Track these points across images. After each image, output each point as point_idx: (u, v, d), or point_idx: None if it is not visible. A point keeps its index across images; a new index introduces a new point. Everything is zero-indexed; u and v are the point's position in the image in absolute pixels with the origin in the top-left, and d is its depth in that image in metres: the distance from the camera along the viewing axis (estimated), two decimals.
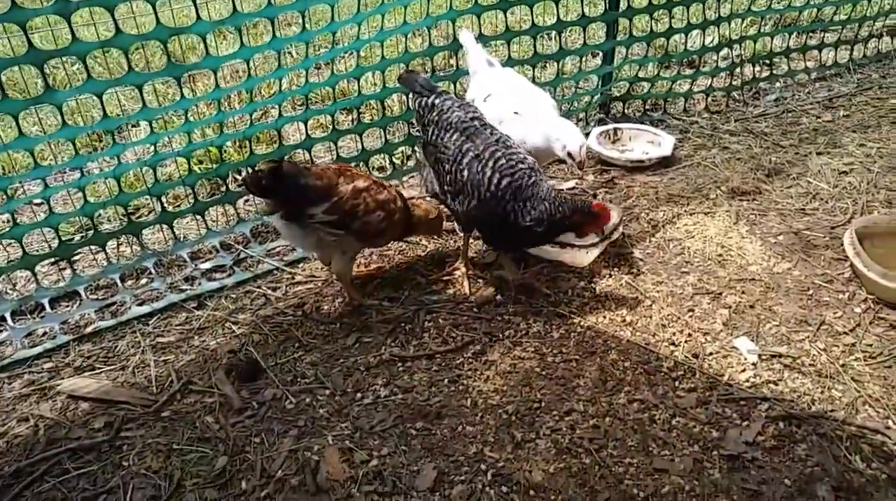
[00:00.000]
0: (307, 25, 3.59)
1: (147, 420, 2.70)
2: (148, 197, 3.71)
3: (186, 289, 3.47)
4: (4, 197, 3.57)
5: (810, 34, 5.66)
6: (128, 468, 2.49)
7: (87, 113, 4.49)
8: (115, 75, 3.53)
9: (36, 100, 3.12)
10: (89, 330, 3.19)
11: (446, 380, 2.84)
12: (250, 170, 3.07)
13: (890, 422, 2.55)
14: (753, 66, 5.44)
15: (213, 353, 3.05)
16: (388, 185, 3.22)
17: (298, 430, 2.63)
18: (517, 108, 3.55)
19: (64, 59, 3.46)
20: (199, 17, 3.28)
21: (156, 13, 3.17)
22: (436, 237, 3.74)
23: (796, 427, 2.55)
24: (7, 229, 3.26)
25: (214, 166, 4.02)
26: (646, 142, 4.66)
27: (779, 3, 5.41)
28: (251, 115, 3.96)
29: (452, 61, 4.40)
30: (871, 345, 2.91)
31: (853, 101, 5.20)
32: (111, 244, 3.65)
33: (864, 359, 2.84)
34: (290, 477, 2.43)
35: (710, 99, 5.23)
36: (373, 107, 4.81)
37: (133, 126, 4.51)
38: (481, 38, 4.23)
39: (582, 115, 5.00)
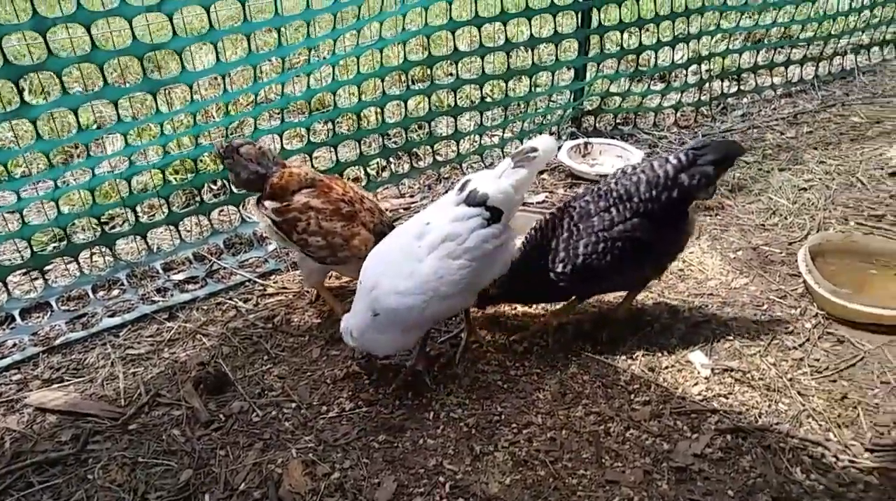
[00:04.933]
0: (283, 41, 3.66)
1: (114, 433, 2.76)
2: (122, 207, 3.76)
3: (158, 301, 3.52)
4: None
5: (778, 50, 5.81)
6: (92, 481, 2.55)
7: (64, 120, 4.52)
8: (91, 87, 3.58)
9: (12, 114, 3.16)
10: (59, 341, 3.24)
11: (410, 393, 2.92)
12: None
13: (830, 435, 2.67)
14: (722, 81, 5.58)
15: (182, 365, 3.11)
16: (360, 223, 3.08)
17: (263, 443, 2.70)
18: None
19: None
20: (175, 33, 3.34)
21: (132, 29, 3.23)
22: None
23: (742, 439, 2.66)
24: None
25: (190, 176, 4.08)
26: (615, 157, 4.78)
27: (748, 18, 5.55)
28: (227, 128, 4.02)
29: (428, 72, 4.49)
30: (818, 360, 3.03)
31: (816, 118, 5.35)
32: (84, 255, 3.69)
33: (811, 374, 2.95)
34: (253, 490, 2.50)
35: (679, 114, 5.35)
36: (350, 119, 4.89)
37: (108, 136, 4.54)
38: (456, 55, 4.32)
39: (554, 129, 5.11)
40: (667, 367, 3.02)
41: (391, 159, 4.66)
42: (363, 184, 4.42)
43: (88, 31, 3.11)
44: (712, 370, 2.98)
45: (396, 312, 2.63)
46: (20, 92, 3.12)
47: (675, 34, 5.06)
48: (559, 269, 2.89)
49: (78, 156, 4.58)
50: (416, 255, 2.62)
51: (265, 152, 3.14)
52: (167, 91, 4.34)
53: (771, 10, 5.54)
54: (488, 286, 2.96)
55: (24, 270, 3.58)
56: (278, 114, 4.08)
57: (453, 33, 4.34)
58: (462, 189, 2.70)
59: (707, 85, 5.42)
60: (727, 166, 2.95)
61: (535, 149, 2.71)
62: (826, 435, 2.67)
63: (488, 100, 4.81)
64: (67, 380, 3.05)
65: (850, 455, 2.59)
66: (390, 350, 2.90)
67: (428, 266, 2.60)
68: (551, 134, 5.11)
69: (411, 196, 4.52)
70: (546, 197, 4.42)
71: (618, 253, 2.85)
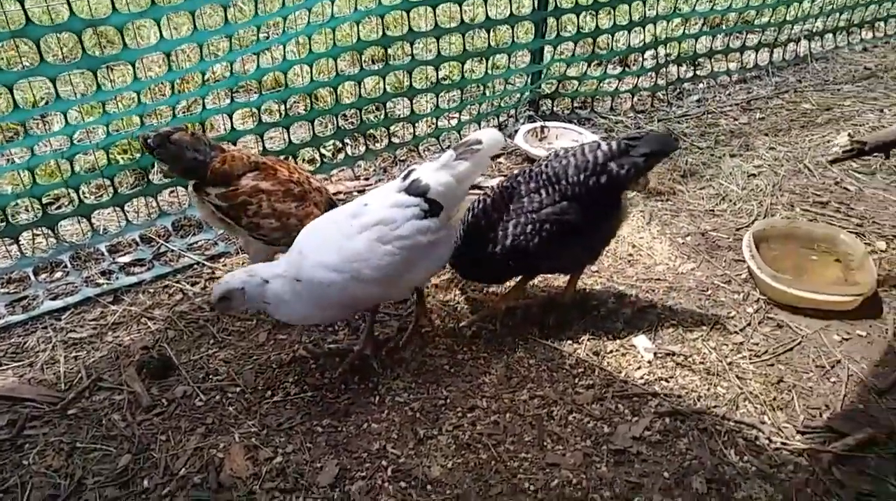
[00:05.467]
0: (231, 18, 3.58)
1: (52, 418, 2.71)
2: (65, 188, 3.65)
3: (103, 284, 3.45)
4: None
5: (734, 36, 5.86)
6: (27, 466, 2.51)
7: (6, 97, 4.36)
8: (28, 64, 3.46)
9: None
10: None
11: (357, 378, 2.93)
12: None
13: (765, 417, 2.75)
14: (679, 66, 5.62)
15: (126, 349, 3.06)
16: (312, 203, 3.07)
17: (206, 428, 2.69)
18: None
19: None
20: (115, 8, 3.24)
21: (69, 4, 3.12)
22: None
23: (680, 422, 2.73)
24: None
25: (137, 156, 3.98)
26: (571, 141, 4.78)
27: (707, 2, 5.60)
28: (174, 108, 3.93)
29: (383, 53, 4.44)
30: (757, 344, 3.11)
31: (769, 104, 5.43)
32: (26, 236, 3.60)
33: (750, 358, 3.03)
34: (193, 475, 2.49)
35: (636, 98, 5.38)
36: (304, 99, 4.81)
37: (53, 114, 4.40)
38: (411, 35, 4.26)
39: (512, 112, 5.10)
40: (611, 351, 3.07)
41: (346, 141, 4.60)
42: (318, 165, 4.37)
43: (22, 5, 2.99)
44: (655, 354, 3.04)
45: (317, 284, 2.59)
46: None
47: (632, 18, 5.07)
48: (489, 250, 2.91)
49: (20, 135, 4.43)
50: (348, 233, 2.60)
51: (199, 137, 3.04)
52: (110, 70, 4.21)
53: None
54: None
55: None
56: (228, 93, 3.99)
57: (408, 13, 4.29)
58: (406, 177, 2.68)
59: (664, 70, 5.46)
60: (659, 159, 2.98)
61: (479, 142, 2.68)
62: (761, 418, 2.75)
63: (445, 82, 4.76)
64: (5, 365, 2.98)
65: (782, 437, 2.67)
66: (300, 320, 2.84)
67: (356, 244, 2.57)
68: (509, 117, 5.11)
69: (366, 179, 4.48)
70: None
71: (546, 236, 2.87)
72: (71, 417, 2.72)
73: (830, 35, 6.41)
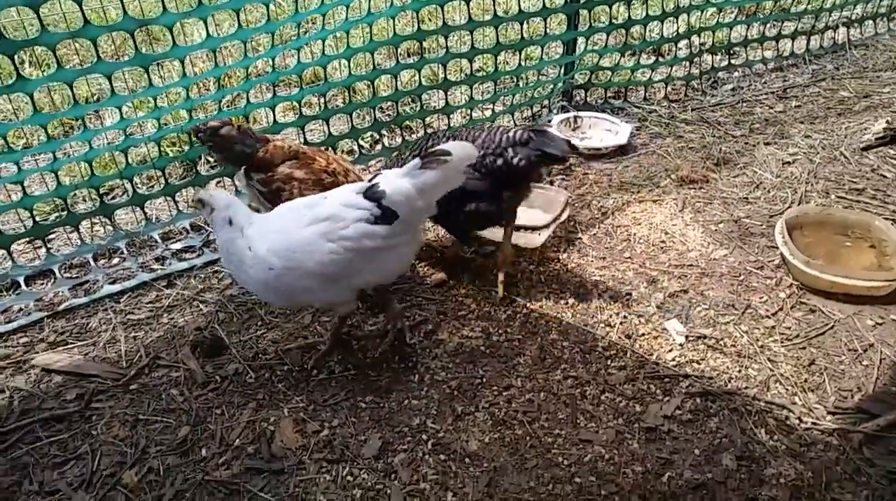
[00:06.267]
0: (271, 16, 3.73)
1: (116, 392, 2.91)
2: (120, 179, 3.86)
3: (157, 269, 3.65)
4: None
5: (773, 24, 5.83)
6: (96, 436, 2.70)
7: (64, 93, 4.60)
8: (84, 62, 3.66)
9: (8, 88, 3.24)
10: (63, 307, 3.37)
11: (397, 357, 3.06)
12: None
13: (796, 399, 2.81)
14: (713, 55, 5.63)
15: (180, 330, 3.25)
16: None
17: (257, 403, 2.85)
18: None
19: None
20: (165, 8, 3.41)
21: (123, 5, 3.30)
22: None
23: (711, 402, 2.80)
24: None
25: (186, 148, 4.17)
26: (604, 131, 4.85)
27: None
28: (220, 102, 4.10)
29: (418, 46, 4.55)
30: (789, 328, 3.16)
31: (806, 92, 5.41)
32: (85, 224, 3.81)
33: (781, 341, 3.08)
34: (247, 446, 2.66)
35: (669, 87, 5.41)
36: (342, 92, 4.95)
37: (106, 109, 4.62)
38: (445, 29, 4.37)
39: (545, 103, 5.18)
40: (643, 334, 3.15)
41: (383, 132, 4.73)
42: (356, 156, 4.51)
43: (80, 6, 3.17)
44: (687, 337, 3.11)
45: (261, 264, 2.63)
46: (16, 66, 3.19)
47: (665, 8, 5.10)
48: None
49: (78, 129, 4.67)
50: (299, 223, 2.62)
51: (245, 130, 3.25)
52: (160, 66, 4.41)
53: None
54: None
55: (27, 239, 3.70)
56: (270, 88, 4.16)
57: (442, 7, 4.39)
58: (371, 179, 2.68)
59: (698, 59, 5.47)
60: (549, 160, 3.17)
61: (447, 154, 2.57)
62: (792, 399, 2.81)
63: (479, 74, 4.86)
64: (71, 343, 3.19)
65: (813, 417, 2.73)
66: (248, 286, 2.82)
67: (302, 236, 2.59)
68: (542, 107, 5.18)
69: None
70: None
71: None
72: (133, 392, 2.92)
73: (870, 21, 6.33)
